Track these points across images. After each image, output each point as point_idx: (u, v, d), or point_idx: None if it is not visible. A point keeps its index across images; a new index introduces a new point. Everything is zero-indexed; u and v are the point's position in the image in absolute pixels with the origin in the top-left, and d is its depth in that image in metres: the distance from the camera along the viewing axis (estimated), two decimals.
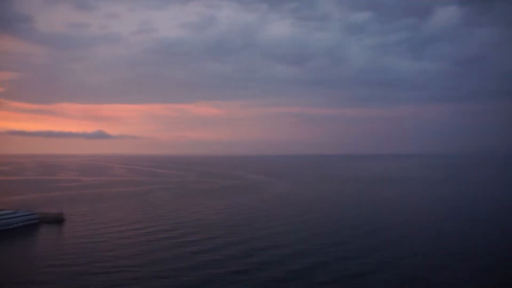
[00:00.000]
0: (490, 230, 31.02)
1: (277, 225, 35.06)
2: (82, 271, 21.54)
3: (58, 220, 39.31)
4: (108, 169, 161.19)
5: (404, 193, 60.44)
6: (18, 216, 36.24)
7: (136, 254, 25.19)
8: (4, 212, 36.48)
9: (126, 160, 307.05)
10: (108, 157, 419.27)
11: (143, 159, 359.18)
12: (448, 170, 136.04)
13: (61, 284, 19.45)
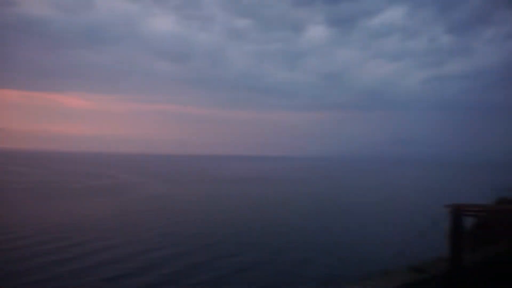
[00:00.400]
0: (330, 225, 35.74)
1: (151, 228, 33.87)
2: None
3: None
4: None
5: (274, 192, 64.98)
6: None
7: None
8: None
9: None
10: None
11: None
12: (313, 170, 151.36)
13: None
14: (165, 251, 25.85)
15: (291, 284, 19.40)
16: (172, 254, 24.92)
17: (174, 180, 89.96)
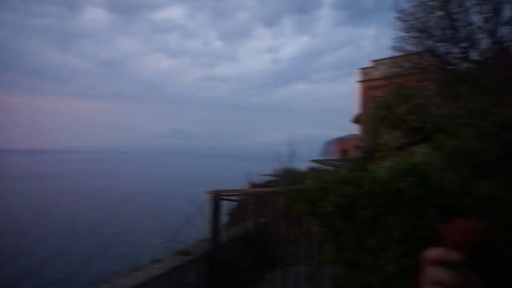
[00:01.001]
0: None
1: None
2: None
3: None
4: None
5: (35, 189, 57.54)
6: None
7: None
8: None
9: None
10: None
11: None
12: (84, 165, 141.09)
13: None
14: None
15: None
16: None
17: None
